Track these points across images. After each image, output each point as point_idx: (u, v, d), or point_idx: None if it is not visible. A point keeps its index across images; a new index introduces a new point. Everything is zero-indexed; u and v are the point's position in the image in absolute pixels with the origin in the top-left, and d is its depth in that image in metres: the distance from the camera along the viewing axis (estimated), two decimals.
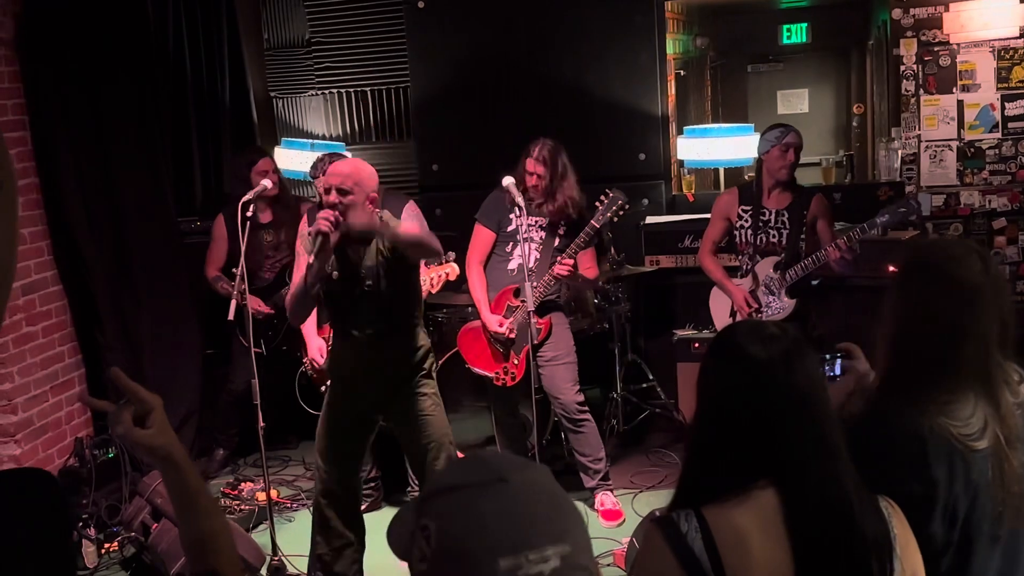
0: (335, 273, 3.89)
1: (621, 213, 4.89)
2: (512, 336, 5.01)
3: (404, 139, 7.09)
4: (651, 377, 6.06)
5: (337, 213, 3.69)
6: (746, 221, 5.03)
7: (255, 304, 5.57)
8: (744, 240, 5.05)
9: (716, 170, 6.51)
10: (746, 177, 7.10)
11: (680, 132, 6.53)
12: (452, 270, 5.10)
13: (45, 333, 5.15)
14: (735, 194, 5.14)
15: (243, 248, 4.46)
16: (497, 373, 5.11)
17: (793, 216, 4.93)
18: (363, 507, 5.21)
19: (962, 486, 1.99)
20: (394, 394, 4.03)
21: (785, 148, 4.89)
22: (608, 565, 4.55)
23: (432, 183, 6.66)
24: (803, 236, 4.93)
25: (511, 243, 5.00)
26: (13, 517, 1.75)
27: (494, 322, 5.03)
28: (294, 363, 5.59)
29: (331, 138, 7.16)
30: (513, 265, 5.02)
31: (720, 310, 5.20)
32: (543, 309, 5.00)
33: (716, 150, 6.13)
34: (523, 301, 4.84)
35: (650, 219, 6.23)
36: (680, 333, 5.98)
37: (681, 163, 6.68)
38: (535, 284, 4.82)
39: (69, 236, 5.25)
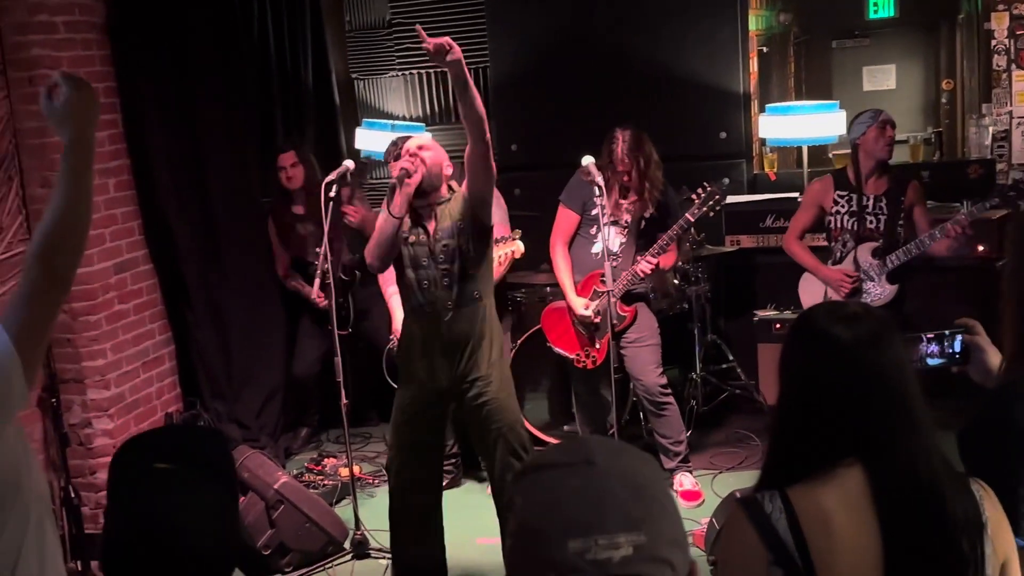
0: (411, 236, 3.91)
1: (718, 208, 4.87)
2: (597, 320, 4.99)
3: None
4: (731, 358, 6.01)
5: (418, 160, 3.84)
6: (842, 207, 4.97)
7: (313, 295, 5.69)
8: (839, 226, 4.99)
9: (799, 148, 6.40)
10: (830, 155, 6.98)
11: (762, 110, 6.44)
12: (517, 248, 5.06)
13: (136, 311, 5.30)
14: (829, 181, 5.08)
15: (326, 227, 4.54)
16: (578, 355, 5.11)
17: (891, 201, 4.87)
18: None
19: None
20: (462, 372, 3.96)
21: (882, 126, 4.83)
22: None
23: (512, 163, 6.65)
24: (901, 222, 4.86)
25: (595, 226, 4.99)
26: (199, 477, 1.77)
27: (580, 306, 5.02)
28: (368, 342, 5.68)
29: (411, 119, 7.22)
30: (598, 248, 5.00)
31: (811, 297, 5.12)
32: (630, 298, 5.00)
33: (799, 128, 6.03)
34: (603, 285, 4.84)
35: (731, 199, 6.14)
36: (761, 314, 5.92)
37: (763, 141, 6.59)
38: (616, 266, 4.81)
39: (159, 216, 5.38)
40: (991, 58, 6.48)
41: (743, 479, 5.09)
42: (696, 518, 4.72)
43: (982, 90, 6.67)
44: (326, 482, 5.37)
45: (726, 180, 6.18)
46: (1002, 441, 2.01)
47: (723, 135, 6.26)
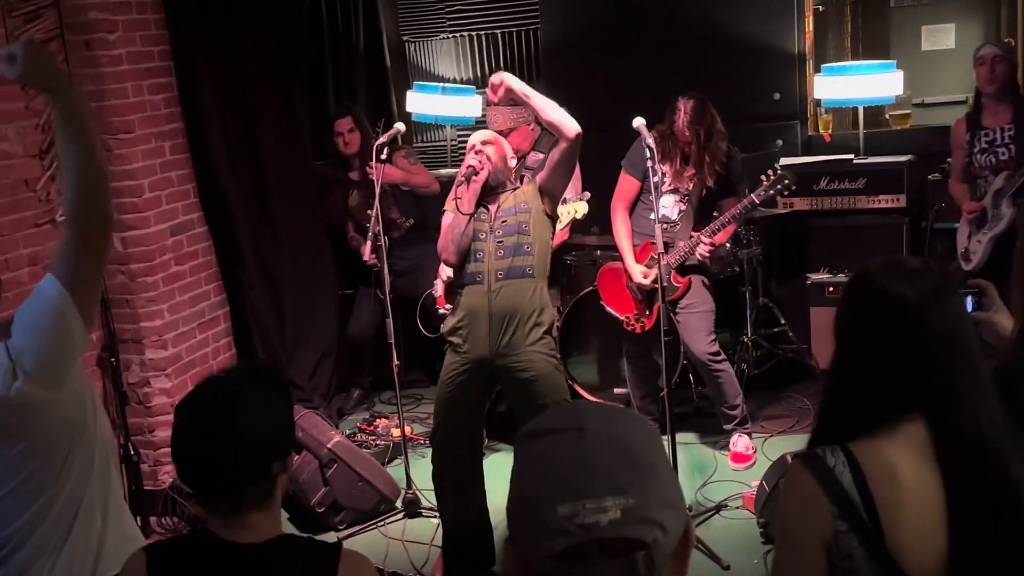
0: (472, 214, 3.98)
1: (786, 193, 4.85)
2: (654, 287, 4.92)
3: (534, 81, 7.06)
4: (783, 321, 5.95)
5: (483, 156, 3.98)
6: (975, 145, 5.04)
7: (365, 256, 5.71)
8: (978, 164, 5.06)
9: (854, 109, 6.30)
10: (887, 116, 6.87)
11: (817, 70, 6.34)
12: (579, 209, 5.04)
13: (192, 272, 5.38)
14: (963, 122, 5.19)
15: (377, 189, 4.58)
16: (628, 317, 5.11)
17: (1019, 128, 4.90)
18: None
19: None
20: (503, 345, 3.96)
21: (981, 62, 4.96)
22: (737, 508, 4.55)
23: None
24: None
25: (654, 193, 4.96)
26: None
27: (638, 273, 5.00)
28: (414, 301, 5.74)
29: (462, 82, 7.21)
30: (654, 215, 4.96)
31: (961, 233, 5.24)
32: (684, 268, 4.97)
33: (856, 88, 5.91)
34: (657, 250, 4.81)
35: (784, 160, 6.08)
36: (814, 277, 5.87)
37: (818, 102, 6.49)
38: (667, 229, 4.79)
39: (213, 179, 5.43)
40: None
41: (794, 443, 5.06)
42: (746, 480, 4.71)
43: None
44: (378, 442, 5.43)
45: (779, 142, 6.14)
46: None
47: (777, 96, 6.17)
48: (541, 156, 4.54)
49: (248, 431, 1.88)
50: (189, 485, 1.92)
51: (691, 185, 4.95)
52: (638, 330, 5.10)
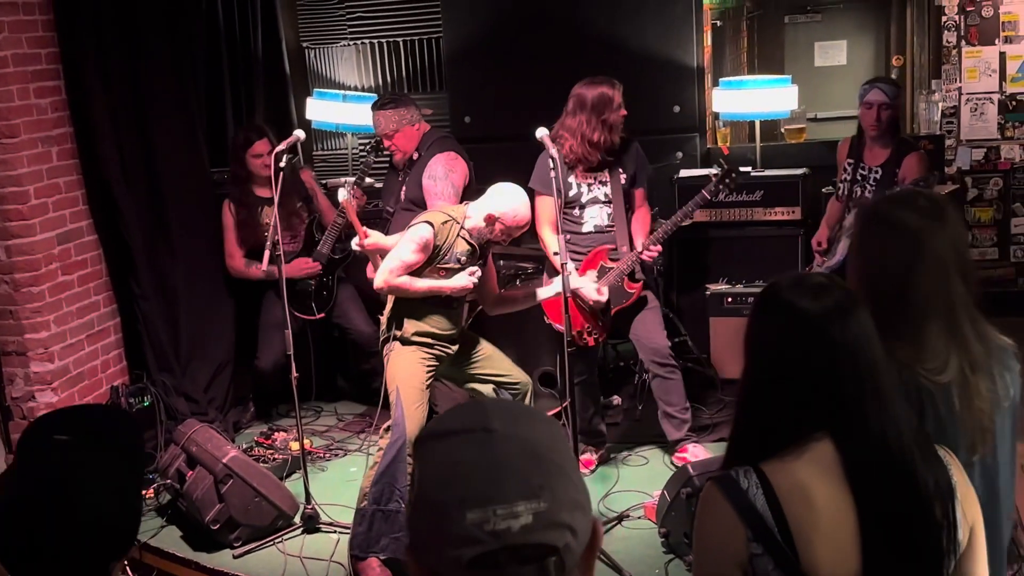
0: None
1: (733, 188, 4.83)
2: (605, 300, 4.80)
3: (437, 90, 7.04)
4: (683, 332, 6.02)
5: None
6: (848, 174, 5.05)
7: (303, 265, 5.59)
8: (845, 192, 5.08)
9: (752, 123, 6.42)
10: (782, 130, 7.03)
11: (716, 84, 6.45)
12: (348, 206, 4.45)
13: (81, 282, 5.19)
14: (847, 144, 5.15)
15: (276, 198, 4.48)
16: (579, 332, 4.86)
17: (886, 173, 4.89)
18: None
19: (932, 423, 2.03)
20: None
21: (868, 107, 4.89)
22: (639, 518, 4.56)
23: (465, 135, 6.60)
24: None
25: (577, 207, 4.82)
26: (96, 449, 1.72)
27: (591, 290, 4.76)
28: (340, 329, 5.85)
29: (363, 89, 7.14)
30: (588, 227, 4.84)
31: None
32: (633, 274, 4.86)
33: (752, 102, 6.04)
34: (601, 259, 4.83)
35: (684, 172, 6.16)
36: (713, 288, 5.95)
37: (716, 116, 6.60)
38: (608, 242, 4.82)
39: (104, 185, 5.25)
40: (941, 34, 6.53)
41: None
42: (648, 491, 4.73)
43: (932, 66, 6.73)
44: (276, 456, 5.31)
45: (679, 154, 6.22)
46: None
47: (676, 109, 6.26)
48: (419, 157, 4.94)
49: (87, 527, 1.62)
50: (5, 565, 1.62)
51: (607, 189, 4.80)
52: (591, 343, 4.94)
